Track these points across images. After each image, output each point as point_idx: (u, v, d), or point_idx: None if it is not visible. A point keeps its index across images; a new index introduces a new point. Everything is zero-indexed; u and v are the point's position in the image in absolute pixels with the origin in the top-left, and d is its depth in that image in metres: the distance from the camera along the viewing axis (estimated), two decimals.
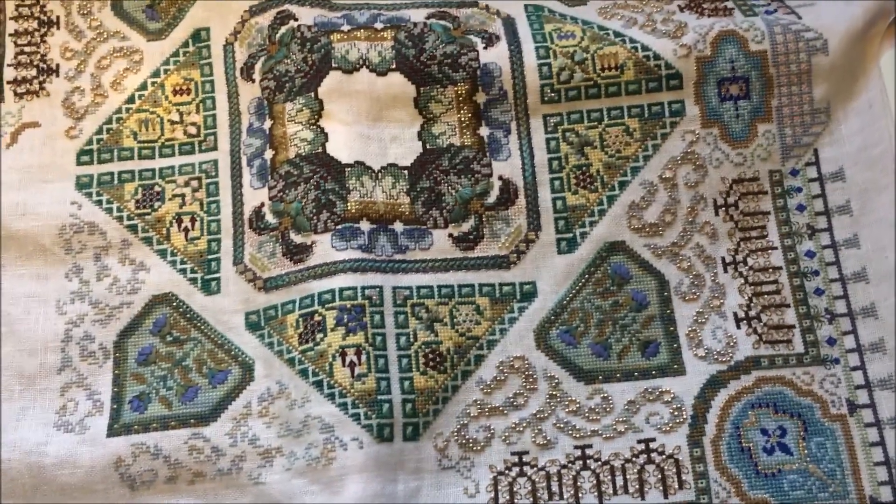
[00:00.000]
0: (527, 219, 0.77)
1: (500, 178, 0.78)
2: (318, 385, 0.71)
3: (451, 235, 0.76)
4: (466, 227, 0.77)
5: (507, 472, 0.72)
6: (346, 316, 0.72)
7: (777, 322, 0.74)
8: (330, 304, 0.73)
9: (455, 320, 0.74)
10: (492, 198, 0.77)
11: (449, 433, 0.72)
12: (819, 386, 0.72)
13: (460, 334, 0.74)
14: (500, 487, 0.71)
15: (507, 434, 0.73)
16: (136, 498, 0.71)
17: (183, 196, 0.80)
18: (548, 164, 0.78)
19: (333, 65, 0.78)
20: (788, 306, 0.75)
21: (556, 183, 0.78)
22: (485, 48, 0.78)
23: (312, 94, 0.78)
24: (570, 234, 0.77)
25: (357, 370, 0.71)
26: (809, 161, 0.78)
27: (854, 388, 0.71)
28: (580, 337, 0.75)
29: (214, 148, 0.81)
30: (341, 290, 0.73)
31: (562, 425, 0.73)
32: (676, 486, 0.70)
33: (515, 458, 0.72)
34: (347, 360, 0.71)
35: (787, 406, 0.72)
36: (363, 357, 0.71)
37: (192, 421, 0.73)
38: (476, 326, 0.75)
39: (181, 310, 0.77)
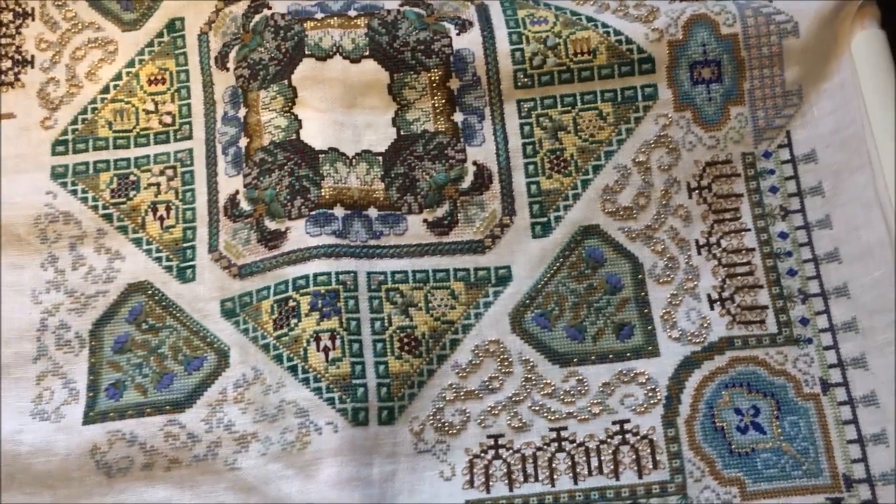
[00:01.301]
0: (501, 203, 0.77)
1: (475, 163, 0.78)
2: (293, 370, 0.71)
3: (425, 221, 0.77)
4: (441, 212, 0.77)
5: (482, 454, 0.72)
6: (320, 301, 0.72)
7: (750, 303, 0.74)
8: (304, 290, 0.73)
9: (430, 305, 0.74)
10: (466, 183, 0.78)
11: (425, 417, 0.72)
12: (792, 365, 0.72)
13: (435, 319, 0.74)
14: (475, 470, 0.71)
15: (482, 417, 0.73)
16: (112, 485, 0.71)
17: (158, 185, 0.80)
18: (522, 149, 0.79)
19: (307, 52, 0.78)
20: (762, 287, 0.75)
21: (531, 167, 0.78)
22: (458, 34, 0.79)
23: (286, 82, 0.78)
24: (545, 219, 0.77)
25: (331, 355, 0.71)
26: (782, 143, 0.79)
27: (827, 367, 0.72)
28: (555, 320, 0.75)
29: (189, 137, 0.81)
30: (315, 275, 0.73)
31: (537, 408, 0.73)
32: (651, 467, 0.70)
33: (491, 441, 0.72)
34: (322, 344, 0.71)
35: (760, 386, 0.72)
36: (337, 342, 0.71)
37: (167, 408, 0.73)
38: (451, 311, 0.75)
39: (156, 298, 0.77)
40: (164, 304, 0.77)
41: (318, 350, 0.71)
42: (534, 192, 0.78)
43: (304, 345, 0.72)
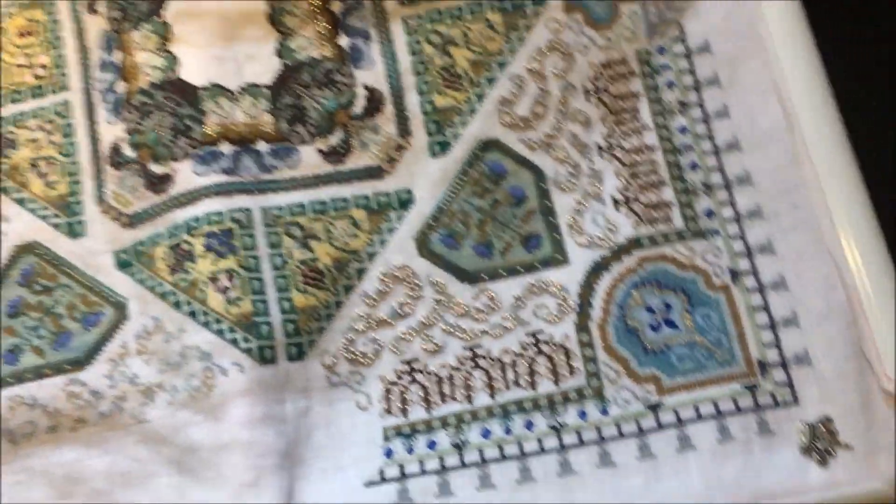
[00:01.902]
0: (396, 126, 0.75)
1: (365, 86, 0.76)
2: (193, 314, 0.69)
3: (319, 150, 0.74)
4: (334, 140, 0.74)
5: (398, 381, 0.71)
6: (214, 241, 0.70)
7: (655, 201, 0.73)
8: (197, 231, 0.70)
9: (331, 235, 0.72)
10: (358, 108, 0.75)
11: (336, 350, 0.71)
12: (701, 259, 0.71)
13: (338, 249, 0.72)
14: (391, 397, 0.70)
15: (395, 344, 0.71)
16: (17, 451, 0.69)
17: (37, 141, 0.76)
18: (412, 68, 0.76)
19: None
20: (665, 184, 0.74)
21: (423, 86, 0.76)
22: None
23: (159, 19, 0.74)
24: (442, 137, 0.75)
25: (231, 294, 0.69)
26: (675, 37, 0.77)
27: (735, 256, 0.71)
28: (461, 239, 0.73)
29: (66, 88, 0.78)
30: (207, 215, 0.71)
31: (450, 329, 0.71)
32: (567, 374, 0.69)
33: (406, 367, 0.71)
34: (220, 285, 0.69)
35: (670, 282, 0.71)
36: (236, 281, 0.69)
37: (66, 367, 0.70)
38: (354, 239, 0.73)
39: (47, 257, 0.74)
40: (55, 262, 0.74)
41: (216, 291, 0.69)
42: (428, 110, 0.75)
43: (202, 287, 0.69)
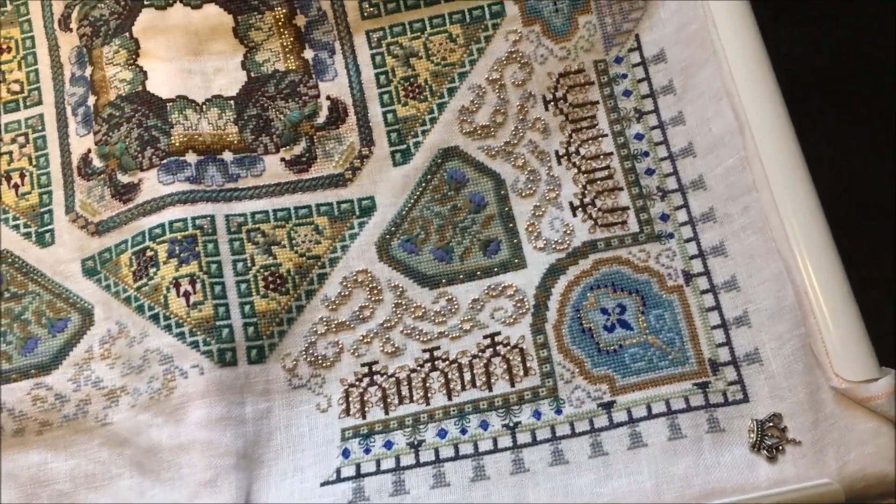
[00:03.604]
0: (359, 135, 0.77)
1: (328, 97, 0.78)
2: (155, 319, 0.71)
3: (283, 160, 0.76)
4: (298, 149, 0.76)
5: (357, 383, 0.72)
6: (177, 247, 0.72)
7: (611, 205, 0.75)
8: (161, 238, 0.72)
9: (294, 242, 0.74)
10: (321, 118, 0.77)
11: (297, 353, 0.72)
12: (655, 261, 0.73)
13: (300, 255, 0.74)
14: (351, 399, 0.71)
15: (355, 347, 0.73)
16: None
17: (11, 153, 0.79)
18: (375, 80, 0.78)
19: (146, 2, 0.77)
20: (621, 189, 0.75)
21: (385, 97, 0.78)
22: None
23: (127, 35, 0.77)
24: (404, 146, 0.77)
25: (192, 298, 0.70)
26: (632, 47, 0.79)
27: (689, 258, 0.72)
28: (421, 244, 0.75)
29: (39, 102, 0.80)
30: (171, 222, 0.72)
31: (409, 332, 0.73)
32: (522, 374, 0.70)
33: (365, 370, 0.72)
34: (182, 290, 0.71)
35: (625, 284, 0.72)
36: (198, 285, 0.71)
37: (33, 371, 0.72)
38: (316, 246, 0.74)
39: (17, 265, 0.76)
40: (24, 270, 0.75)
41: (178, 295, 0.70)
42: (390, 120, 0.77)
43: (164, 292, 0.71)
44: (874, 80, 0.91)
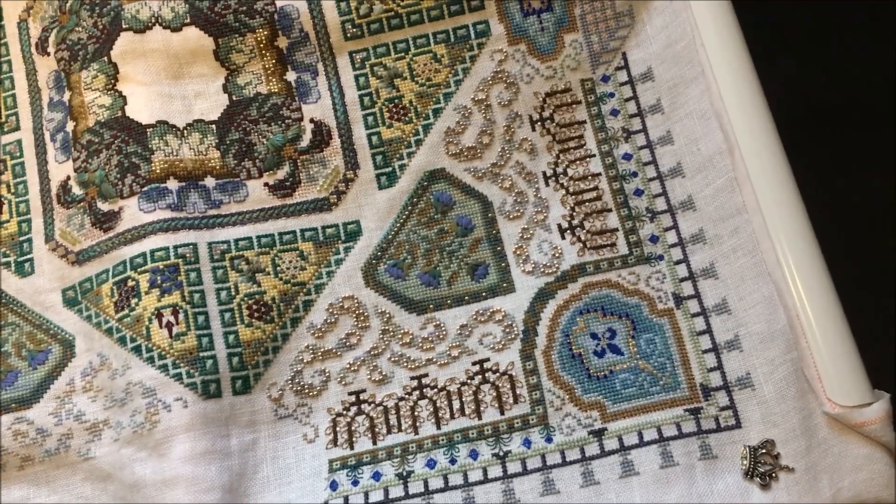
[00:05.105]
0: (343, 158, 0.76)
1: (312, 120, 0.76)
2: (137, 350, 0.69)
3: (266, 184, 0.75)
4: (282, 174, 0.75)
5: (344, 412, 0.71)
6: (159, 277, 0.70)
7: (600, 227, 0.74)
8: (142, 268, 0.71)
9: (278, 268, 0.73)
10: (305, 142, 0.76)
11: (283, 382, 0.71)
12: (645, 284, 0.72)
13: (285, 282, 0.72)
14: (338, 429, 0.70)
15: (342, 375, 0.71)
16: None
17: None
18: (359, 101, 0.77)
19: (124, 26, 0.76)
20: (610, 211, 0.74)
21: (370, 119, 0.77)
22: None
23: (106, 59, 0.75)
24: (389, 168, 0.76)
25: (175, 330, 0.69)
26: (619, 65, 0.78)
27: (679, 280, 0.71)
28: (408, 269, 0.74)
29: (17, 128, 0.79)
30: (152, 251, 0.71)
31: (396, 359, 0.72)
32: (512, 402, 0.69)
33: (353, 398, 0.71)
34: (164, 321, 0.69)
35: (614, 308, 0.71)
36: (181, 316, 0.69)
37: (13, 405, 0.71)
38: (301, 272, 0.73)
39: None
40: (4, 301, 0.74)
41: (160, 327, 0.69)
42: (375, 143, 0.76)
43: (147, 323, 0.69)
44: (865, 105, 0.90)
